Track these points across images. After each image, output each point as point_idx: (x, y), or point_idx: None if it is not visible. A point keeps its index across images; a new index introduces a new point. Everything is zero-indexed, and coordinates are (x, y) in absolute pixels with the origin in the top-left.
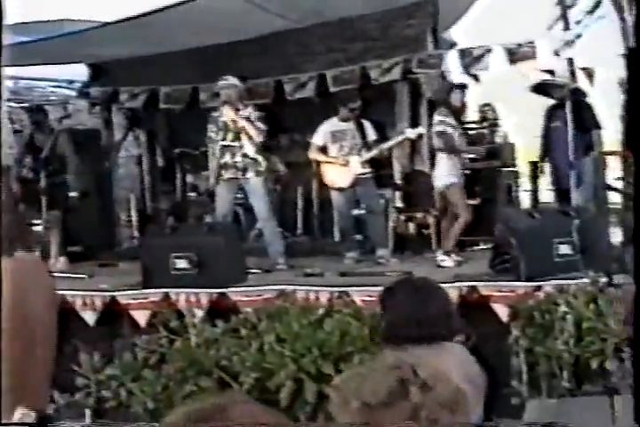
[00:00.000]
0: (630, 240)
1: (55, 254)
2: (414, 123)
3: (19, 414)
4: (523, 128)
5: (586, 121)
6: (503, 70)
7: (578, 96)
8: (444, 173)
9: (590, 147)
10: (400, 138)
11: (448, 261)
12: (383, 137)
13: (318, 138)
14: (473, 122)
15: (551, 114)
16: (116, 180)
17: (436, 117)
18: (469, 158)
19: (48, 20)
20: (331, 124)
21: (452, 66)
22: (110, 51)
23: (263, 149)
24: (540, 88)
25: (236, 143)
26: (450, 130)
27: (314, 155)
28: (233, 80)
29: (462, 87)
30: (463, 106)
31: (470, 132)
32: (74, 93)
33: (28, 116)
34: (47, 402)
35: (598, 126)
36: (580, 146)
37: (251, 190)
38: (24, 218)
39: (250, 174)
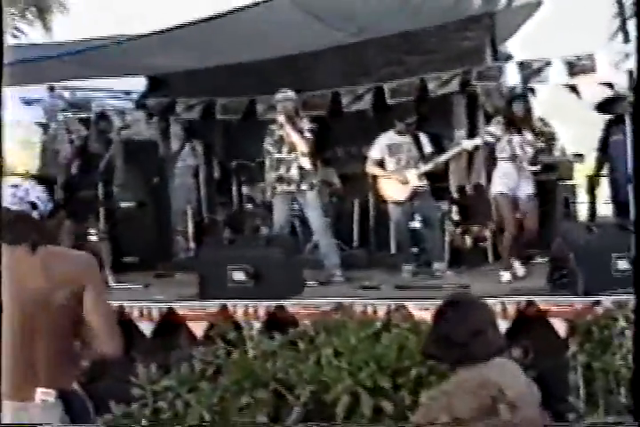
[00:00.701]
0: None
1: (106, 267)
2: (471, 134)
3: (39, 394)
4: (580, 141)
5: None
6: (562, 82)
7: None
8: (495, 182)
9: None
10: (456, 149)
11: (506, 276)
12: (440, 149)
13: (375, 151)
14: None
15: (610, 127)
16: (173, 190)
17: (487, 128)
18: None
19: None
20: (387, 138)
21: (512, 78)
22: (167, 61)
23: (319, 161)
24: (603, 106)
25: (291, 156)
26: (490, 139)
27: (371, 168)
28: (290, 93)
29: (524, 97)
30: (527, 116)
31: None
32: (131, 104)
33: (93, 123)
34: (70, 381)
35: None
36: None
37: (306, 203)
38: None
39: (304, 187)
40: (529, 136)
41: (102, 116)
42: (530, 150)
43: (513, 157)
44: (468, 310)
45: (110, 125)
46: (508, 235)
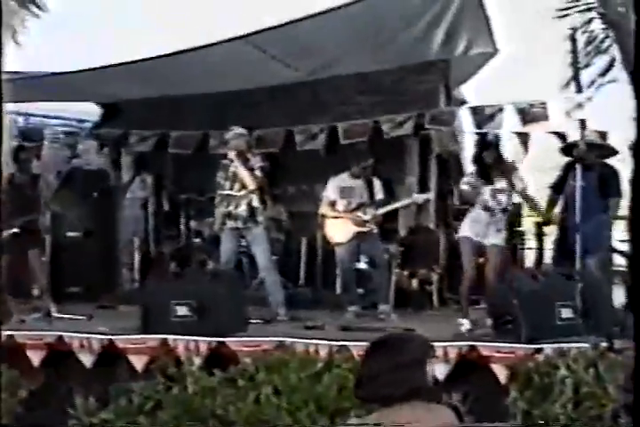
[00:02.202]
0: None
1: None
2: (423, 179)
3: None
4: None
5: (608, 187)
6: (515, 129)
7: (603, 157)
8: (463, 226)
9: (605, 212)
10: (406, 201)
11: (465, 325)
12: (391, 193)
13: (330, 192)
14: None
15: (568, 171)
16: (121, 221)
17: (463, 179)
18: None
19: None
20: (341, 180)
21: (465, 123)
22: (121, 91)
23: (268, 198)
24: (569, 149)
25: (241, 193)
26: (467, 188)
27: (325, 209)
28: (240, 130)
29: (495, 145)
30: (499, 164)
31: None
32: (84, 133)
33: (12, 154)
34: None
35: (619, 194)
36: (595, 210)
37: (253, 239)
38: None
39: (252, 224)
40: (501, 184)
41: (21, 147)
42: (503, 199)
43: (485, 208)
44: (394, 346)
45: (30, 155)
46: (466, 281)
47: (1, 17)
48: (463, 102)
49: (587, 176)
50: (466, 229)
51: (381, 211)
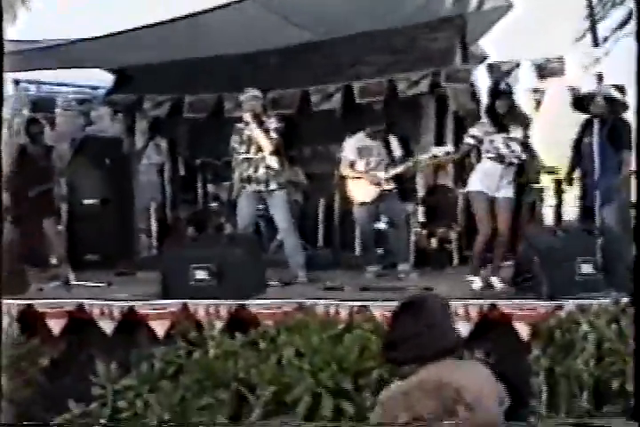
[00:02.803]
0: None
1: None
2: (440, 137)
3: None
4: (550, 142)
5: (620, 139)
6: (531, 85)
7: (618, 111)
8: (471, 180)
9: (619, 166)
10: (426, 156)
11: (477, 282)
12: (408, 151)
13: (348, 152)
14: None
15: (585, 128)
16: (137, 188)
17: (469, 130)
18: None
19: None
20: (357, 140)
21: (481, 80)
22: (135, 56)
23: (285, 160)
24: (580, 103)
25: (258, 155)
26: (471, 141)
27: (344, 169)
28: (255, 92)
29: (507, 93)
30: (512, 112)
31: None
32: (97, 100)
33: (24, 127)
34: None
35: (630, 146)
36: (610, 164)
37: (272, 202)
38: None
39: (273, 186)
40: (516, 133)
41: (33, 120)
42: (517, 147)
43: (499, 157)
44: (421, 308)
45: (41, 128)
46: (481, 237)
47: (1, 15)
48: (484, 57)
49: (601, 131)
50: (477, 183)
51: (400, 167)
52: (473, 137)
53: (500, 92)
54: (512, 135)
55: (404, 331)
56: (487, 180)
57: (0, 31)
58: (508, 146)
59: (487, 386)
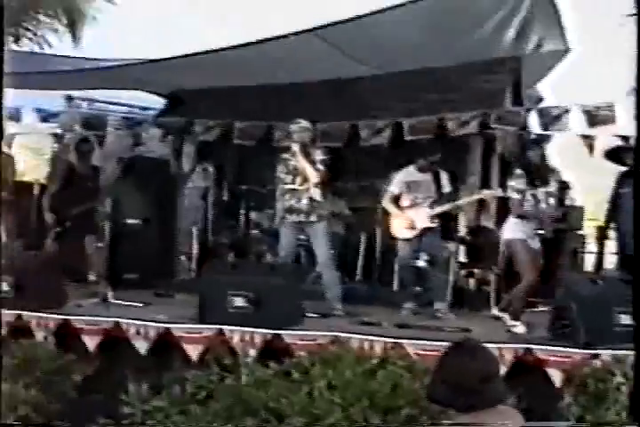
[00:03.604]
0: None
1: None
2: (485, 178)
3: None
4: (592, 191)
5: None
6: (581, 132)
7: None
8: (511, 228)
9: None
10: (474, 197)
11: (520, 328)
12: (455, 190)
13: (395, 187)
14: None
15: (622, 179)
16: (180, 210)
17: (509, 182)
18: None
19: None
20: (407, 174)
21: (532, 124)
22: (189, 80)
23: (329, 192)
24: (614, 154)
25: (303, 186)
26: (516, 195)
27: (388, 204)
28: (305, 123)
29: (539, 143)
30: (543, 164)
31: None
32: (147, 120)
33: (74, 145)
34: None
35: None
36: None
37: (313, 234)
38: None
39: (313, 218)
40: (550, 187)
41: (84, 139)
42: (552, 202)
43: (535, 212)
44: (476, 356)
45: (91, 147)
46: (526, 283)
47: (2, 23)
48: (540, 100)
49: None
50: (517, 231)
51: (448, 206)
52: (517, 190)
53: (532, 141)
54: (549, 189)
55: (460, 376)
56: (523, 228)
57: (1, 42)
58: (546, 201)
59: None
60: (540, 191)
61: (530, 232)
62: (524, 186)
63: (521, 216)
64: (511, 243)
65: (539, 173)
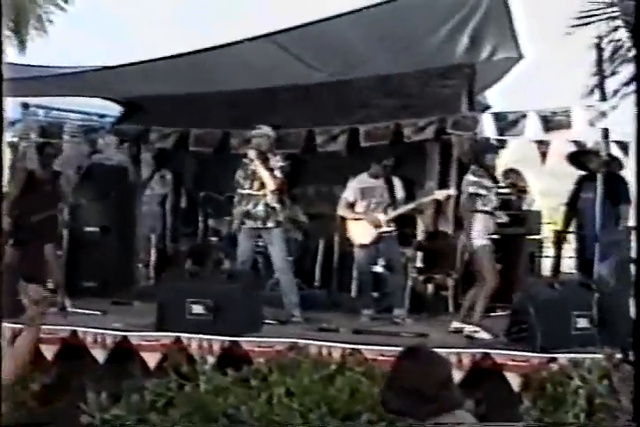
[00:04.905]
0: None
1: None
2: (443, 183)
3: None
4: (549, 194)
5: (618, 194)
6: (537, 137)
7: (613, 168)
8: (479, 235)
9: (617, 220)
10: (428, 198)
11: (482, 333)
12: (411, 195)
13: (349, 194)
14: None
15: (582, 183)
16: (139, 217)
17: (470, 178)
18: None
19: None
20: (360, 181)
21: (487, 129)
22: (145, 88)
23: (286, 198)
24: (576, 158)
25: (260, 192)
26: (483, 191)
27: (342, 210)
28: (266, 129)
29: (498, 148)
30: (494, 167)
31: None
32: (104, 128)
33: (36, 150)
34: None
35: (629, 201)
36: (608, 219)
37: (270, 240)
38: None
39: (270, 224)
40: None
41: (44, 144)
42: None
43: (494, 210)
44: (431, 362)
45: (56, 151)
46: (489, 286)
47: (1, 17)
48: (487, 107)
49: (595, 186)
50: (483, 237)
51: (402, 209)
52: (477, 183)
53: (491, 146)
54: (504, 190)
55: (410, 383)
56: (488, 233)
57: (0, 53)
58: (499, 200)
59: None
60: (494, 191)
61: (493, 228)
62: (490, 183)
63: (487, 212)
64: (479, 249)
65: (494, 177)
